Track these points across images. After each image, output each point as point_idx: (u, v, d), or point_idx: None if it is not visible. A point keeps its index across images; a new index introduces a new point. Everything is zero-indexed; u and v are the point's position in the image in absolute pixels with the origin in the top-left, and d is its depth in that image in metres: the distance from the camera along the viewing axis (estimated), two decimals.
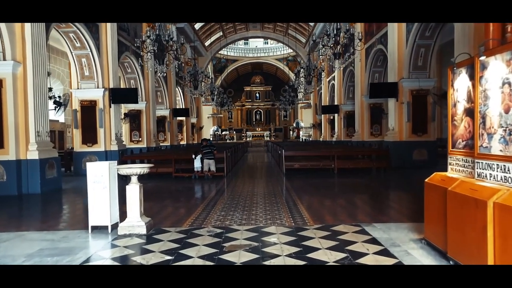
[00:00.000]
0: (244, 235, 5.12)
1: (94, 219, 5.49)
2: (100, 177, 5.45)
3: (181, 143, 27.26)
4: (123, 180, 6.74)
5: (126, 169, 5.30)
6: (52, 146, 10.78)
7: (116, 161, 5.71)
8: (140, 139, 19.52)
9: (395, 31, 15.00)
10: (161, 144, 22.48)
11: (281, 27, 33.56)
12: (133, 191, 5.35)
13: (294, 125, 46.89)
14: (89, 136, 14.78)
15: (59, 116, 22.45)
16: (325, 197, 8.73)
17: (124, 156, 13.23)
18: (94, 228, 5.55)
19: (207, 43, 33.19)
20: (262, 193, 8.94)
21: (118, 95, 15.24)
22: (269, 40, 43.36)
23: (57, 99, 12.94)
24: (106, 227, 5.49)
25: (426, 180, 4.61)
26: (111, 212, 5.50)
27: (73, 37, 13.69)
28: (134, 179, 5.39)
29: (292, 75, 40.38)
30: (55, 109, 13.13)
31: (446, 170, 4.52)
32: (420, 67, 14.80)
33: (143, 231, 5.28)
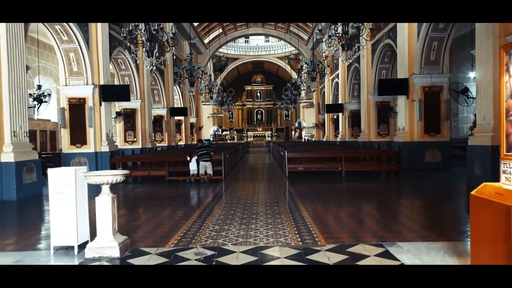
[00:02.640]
0: (240, 260, 4.12)
1: (57, 238, 4.49)
2: (64, 186, 4.45)
3: (179, 143, 26.30)
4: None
5: (95, 177, 4.30)
6: (32, 147, 9.77)
7: (85, 167, 4.72)
8: (134, 139, 18.53)
9: (405, 23, 13.98)
10: (158, 144, 21.51)
11: (283, 24, 32.58)
12: (104, 204, 4.35)
13: (296, 125, 45.89)
14: (78, 136, 13.79)
15: (52, 115, 21.54)
16: (335, 205, 7.73)
17: (114, 158, 12.23)
18: (59, 248, 4.57)
19: (206, 40, 32.19)
20: (263, 200, 7.94)
21: (109, 93, 14.24)
22: (270, 38, 42.36)
23: (37, 96, 11.89)
24: (72, 247, 4.50)
25: (472, 192, 3.60)
26: (79, 230, 4.51)
27: (60, 29, 12.71)
28: (105, 189, 4.40)
29: (294, 74, 39.38)
30: (35, 107, 12.12)
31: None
32: (433, 62, 13.80)
33: (116, 253, 4.28)
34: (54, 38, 13.08)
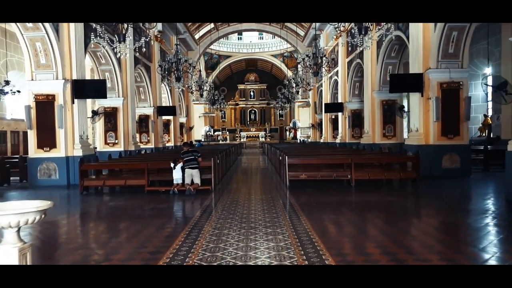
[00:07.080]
0: None
1: None
2: None
3: (167, 144, 24.51)
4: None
5: None
6: None
7: None
8: (116, 141, 16.69)
9: None
10: (144, 146, 19.68)
11: None
12: (7, 260, 2.62)
13: (291, 125, 44.27)
14: (46, 139, 12.04)
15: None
16: (356, 230, 6.04)
17: (85, 164, 10.44)
18: None
19: (197, 36, 30.37)
20: (263, 223, 6.23)
21: (83, 89, 12.46)
22: (264, 35, 40.69)
23: None
24: None
25: None
26: None
27: None
28: (10, 235, 2.66)
29: (289, 73, 37.78)
30: None
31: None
32: (451, 55, 12.21)
33: None
34: (17, 25, 11.28)
